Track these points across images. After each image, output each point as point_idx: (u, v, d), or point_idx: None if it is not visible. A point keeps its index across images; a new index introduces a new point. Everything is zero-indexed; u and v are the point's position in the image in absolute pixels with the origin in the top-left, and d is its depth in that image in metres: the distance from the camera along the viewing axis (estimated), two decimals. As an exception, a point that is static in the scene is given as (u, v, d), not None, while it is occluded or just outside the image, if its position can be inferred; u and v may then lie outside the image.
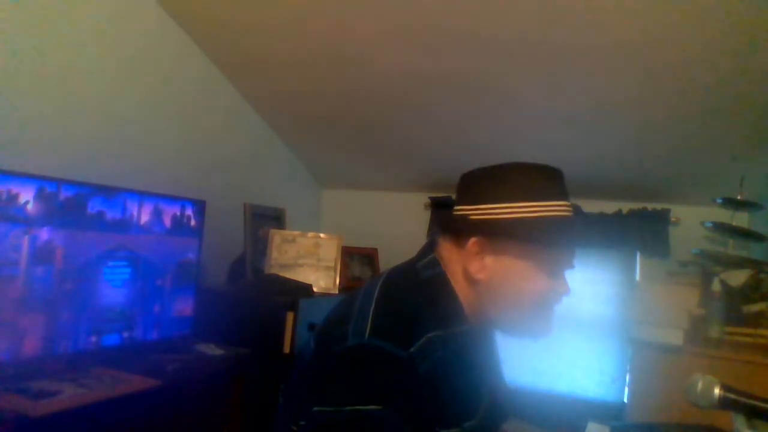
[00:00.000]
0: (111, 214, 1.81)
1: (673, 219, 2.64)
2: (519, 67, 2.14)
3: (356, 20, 2.08)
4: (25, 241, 1.56)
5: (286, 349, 2.17)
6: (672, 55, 1.89)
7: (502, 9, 1.87)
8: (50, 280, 1.63)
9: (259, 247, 2.60)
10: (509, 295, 0.96)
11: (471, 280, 0.97)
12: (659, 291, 2.09)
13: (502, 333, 1.04)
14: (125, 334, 1.88)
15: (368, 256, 3.11)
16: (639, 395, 1.98)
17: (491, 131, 2.60)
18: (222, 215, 2.47)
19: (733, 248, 2.33)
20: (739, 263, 2.21)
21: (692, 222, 2.51)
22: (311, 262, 2.59)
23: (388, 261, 2.97)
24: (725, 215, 2.34)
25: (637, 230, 2.66)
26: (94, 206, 1.75)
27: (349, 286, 2.76)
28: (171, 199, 2.05)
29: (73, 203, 1.69)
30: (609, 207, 2.76)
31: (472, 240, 0.95)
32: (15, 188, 1.53)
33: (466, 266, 0.97)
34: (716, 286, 2.06)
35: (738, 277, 2.13)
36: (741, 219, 2.38)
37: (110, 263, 1.81)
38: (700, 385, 1.00)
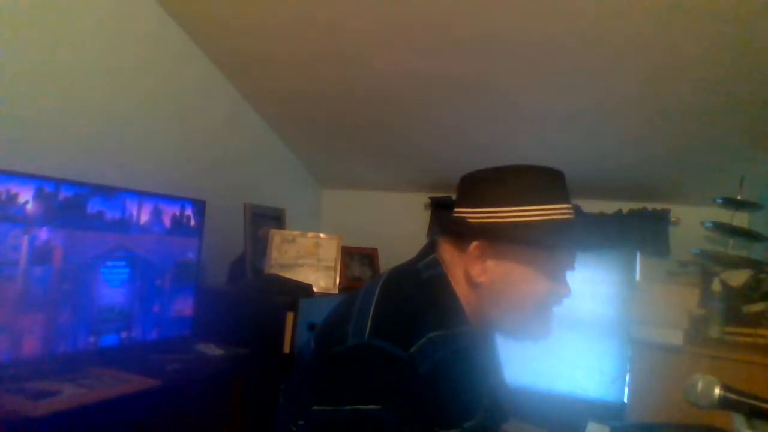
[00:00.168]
0: (110, 214, 1.81)
1: (673, 219, 2.64)
2: (519, 67, 2.14)
3: (356, 20, 2.08)
4: (25, 241, 1.56)
5: (286, 349, 2.17)
6: (672, 56, 1.89)
7: (502, 9, 1.86)
8: (49, 280, 1.63)
9: (259, 247, 2.60)
10: (511, 298, 0.96)
11: (472, 283, 0.97)
12: (659, 291, 2.09)
13: (502, 335, 1.04)
14: (124, 335, 1.88)
15: (368, 256, 3.11)
16: (639, 395, 1.97)
17: (491, 131, 2.59)
18: (222, 215, 2.47)
19: (733, 248, 2.33)
20: (739, 263, 2.21)
21: (692, 222, 2.51)
22: (311, 262, 2.58)
23: (388, 261, 2.97)
24: (725, 215, 2.34)
25: (637, 230, 2.66)
26: (93, 206, 1.75)
27: (349, 286, 2.76)
28: (171, 199, 2.04)
29: (72, 203, 1.69)
30: (609, 207, 2.76)
31: (474, 244, 0.95)
32: (14, 188, 1.53)
33: (468, 269, 0.96)
34: (716, 286, 2.06)
35: (738, 277, 2.13)
36: (741, 219, 2.38)
37: (109, 263, 1.81)
38: (700, 385, 1.00)
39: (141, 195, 1.92)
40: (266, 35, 2.28)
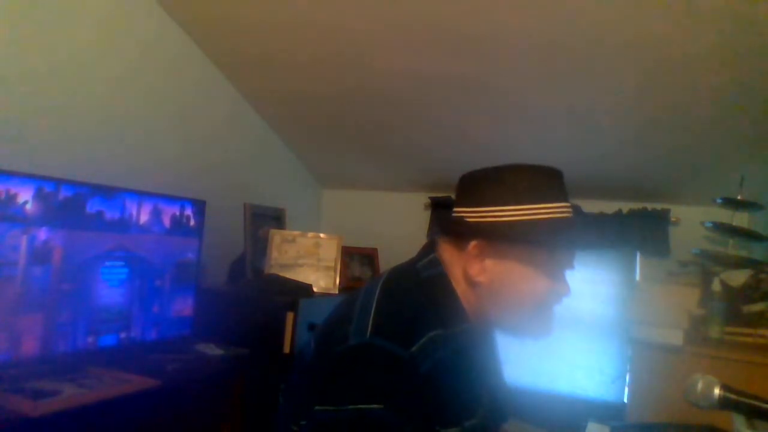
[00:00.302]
0: (110, 214, 1.81)
1: (673, 219, 2.64)
2: (519, 67, 2.14)
3: (356, 20, 2.08)
4: (24, 241, 1.55)
5: (286, 349, 2.17)
6: (672, 56, 1.89)
7: (503, 9, 1.86)
8: (49, 280, 1.62)
9: (259, 247, 2.60)
10: (510, 297, 0.96)
11: (471, 282, 0.97)
12: (659, 291, 2.09)
13: (502, 333, 1.04)
14: (123, 335, 1.87)
15: (368, 256, 3.11)
16: (639, 395, 1.97)
17: (491, 131, 2.59)
18: (222, 215, 2.47)
19: (733, 248, 2.33)
20: (739, 263, 2.21)
21: (692, 222, 2.51)
22: (311, 262, 2.58)
23: (388, 261, 2.97)
24: (725, 215, 2.34)
25: (637, 230, 2.66)
26: (93, 206, 1.75)
27: (349, 286, 2.76)
28: (170, 198, 2.04)
29: (72, 203, 1.69)
30: (609, 207, 2.76)
31: (473, 243, 0.95)
32: (14, 188, 1.53)
33: (467, 268, 0.96)
34: (716, 286, 2.05)
35: (738, 277, 2.13)
36: (741, 219, 2.37)
37: (109, 263, 1.81)
38: (700, 385, 0.99)
39: (141, 195, 1.92)
40: (266, 35, 2.28)
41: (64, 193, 1.66)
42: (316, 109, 2.75)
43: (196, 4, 2.21)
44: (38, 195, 1.59)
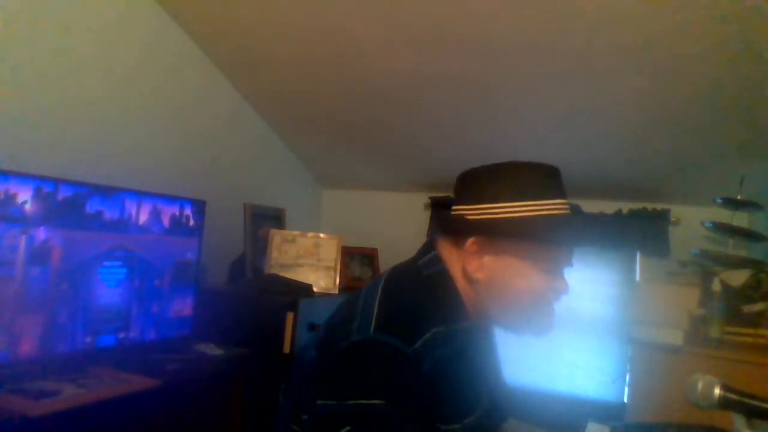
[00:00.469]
0: (109, 214, 1.80)
1: (673, 219, 2.64)
2: (519, 68, 2.14)
3: (356, 20, 2.08)
4: (23, 241, 1.55)
5: (286, 349, 2.16)
6: (672, 56, 1.89)
7: (502, 10, 1.86)
8: (48, 280, 1.62)
9: (259, 247, 2.60)
10: (508, 294, 0.96)
11: (470, 279, 0.97)
12: (659, 291, 2.09)
13: (503, 330, 1.04)
14: (122, 335, 1.87)
15: (368, 256, 3.11)
16: (639, 395, 1.97)
17: (491, 131, 2.59)
18: (222, 215, 2.47)
19: (733, 248, 2.32)
20: (739, 263, 2.21)
21: (692, 222, 2.51)
22: (311, 262, 2.58)
23: (388, 261, 2.96)
24: (725, 215, 2.34)
25: (637, 230, 2.65)
26: (92, 206, 1.75)
27: (349, 286, 2.76)
28: (170, 198, 2.04)
29: (71, 203, 1.68)
30: (609, 207, 2.75)
31: (471, 240, 0.95)
32: (13, 188, 1.53)
33: (465, 266, 0.97)
34: (716, 286, 2.05)
35: (738, 277, 2.13)
36: (741, 219, 2.37)
37: (108, 263, 1.81)
38: (700, 385, 1.00)
39: (140, 195, 1.92)
40: (266, 35, 2.28)
41: (63, 193, 1.66)
42: (316, 109, 2.75)
43: (196, 4, 2.21)
44: (37, 195, 1.59)
